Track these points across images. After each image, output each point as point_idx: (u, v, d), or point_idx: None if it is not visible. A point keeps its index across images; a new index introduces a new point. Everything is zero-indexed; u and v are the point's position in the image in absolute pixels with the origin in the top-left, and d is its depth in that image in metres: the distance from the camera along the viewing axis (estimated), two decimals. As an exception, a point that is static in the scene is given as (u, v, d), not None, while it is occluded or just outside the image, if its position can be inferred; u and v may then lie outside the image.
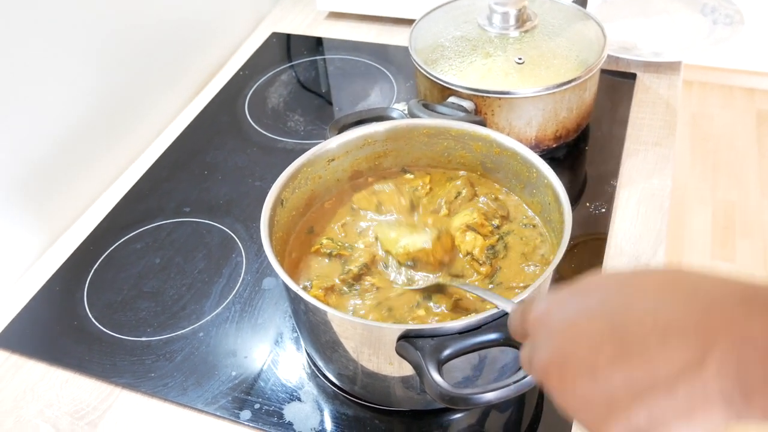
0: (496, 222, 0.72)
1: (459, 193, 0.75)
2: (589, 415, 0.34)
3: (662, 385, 0.31)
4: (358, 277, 0.68)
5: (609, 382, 0.33)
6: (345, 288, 0.68)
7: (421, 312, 0.65)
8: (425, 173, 0.79)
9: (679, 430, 0.31)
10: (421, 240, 0.69)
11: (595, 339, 0.34)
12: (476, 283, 0.67)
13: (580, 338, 0.34)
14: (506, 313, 0.52)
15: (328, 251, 0.71)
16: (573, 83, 0.86)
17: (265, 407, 0.68)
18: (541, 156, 0.70)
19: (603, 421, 0.33)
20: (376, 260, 0.70)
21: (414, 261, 0.69)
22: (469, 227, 0.70)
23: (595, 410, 0.33)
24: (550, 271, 0.59)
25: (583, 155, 0.95)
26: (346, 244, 0.72)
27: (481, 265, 0.68)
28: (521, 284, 0.66)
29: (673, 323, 0.32)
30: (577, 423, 0.36)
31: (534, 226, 0.72)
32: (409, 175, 0.79)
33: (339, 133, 0.76)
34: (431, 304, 0.65)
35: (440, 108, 0.82)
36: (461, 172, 0.78)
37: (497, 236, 0.71)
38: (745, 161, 2.32)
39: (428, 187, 0.78)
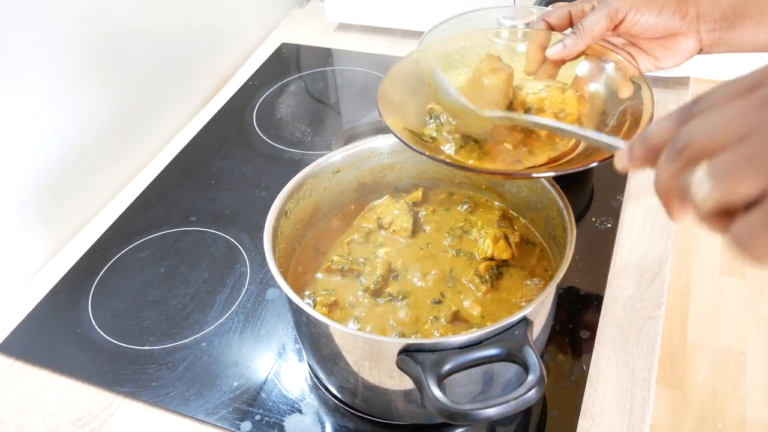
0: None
1: (463, 228, 0.74)
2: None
3: None
4: (378, 292, 0.68)
5: None
6: (370, 295, 0.68)
7: (426, 325, 0.65)
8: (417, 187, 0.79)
9: None
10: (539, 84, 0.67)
11: None
12: (480, 293, 0.67)
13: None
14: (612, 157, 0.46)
15: (340, 267, 0.70)
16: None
17: (266, 419, 0.68)
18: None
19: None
20: (391, 268, 0.70)
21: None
22: (496, 237, 0.70)
23: None
24: (553, 286, 0.58)
25: (589, 170, 0.95)
26: (361, 259, 0.71)
27: (482, 282, 0.68)
28: (522, 300, 0.66)
29: None
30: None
31: (535, 244, 0.72)
32: (403, 194, 0.79)
33: (345, 144, 0.77)
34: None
35: (446, 121, 0.82)
36: (462, 206, 0.77)
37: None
38: (755, 176, 2.30)
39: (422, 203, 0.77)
